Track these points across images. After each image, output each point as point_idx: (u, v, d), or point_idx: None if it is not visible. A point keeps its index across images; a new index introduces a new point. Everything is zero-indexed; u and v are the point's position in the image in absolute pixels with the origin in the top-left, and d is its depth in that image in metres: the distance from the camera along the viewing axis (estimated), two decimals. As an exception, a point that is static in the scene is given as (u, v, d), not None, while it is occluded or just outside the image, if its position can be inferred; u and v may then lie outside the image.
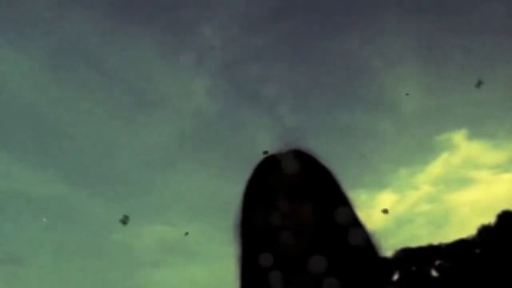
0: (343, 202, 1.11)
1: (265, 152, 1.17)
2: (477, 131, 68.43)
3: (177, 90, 64.47)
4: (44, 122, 58.80)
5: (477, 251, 43.64)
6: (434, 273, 46.04)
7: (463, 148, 67.72)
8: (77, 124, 62.37)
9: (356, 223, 1.10)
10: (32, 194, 59.40)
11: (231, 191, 1.19)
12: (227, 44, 63.29)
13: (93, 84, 59.68)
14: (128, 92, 62.53)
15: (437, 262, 45.99)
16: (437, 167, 69.46)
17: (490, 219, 44.06)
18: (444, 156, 69.53)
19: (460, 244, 44.84)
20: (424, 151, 76.66)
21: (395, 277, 46.81)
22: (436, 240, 57.29)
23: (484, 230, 44.47)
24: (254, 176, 1.14)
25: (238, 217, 1.13)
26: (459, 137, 68.80)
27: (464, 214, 67.94)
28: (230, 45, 63.71)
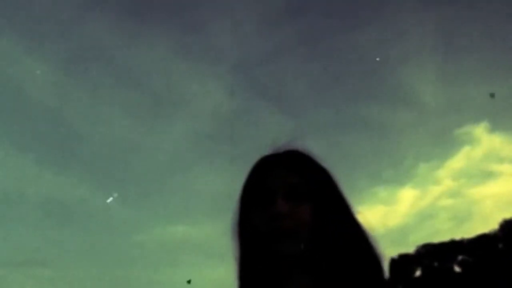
0: (341, 203, 1.10)
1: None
2: (498, 124, 67.07)
3: (194, 90, 64.77)
4: (64, 126, 59.55)
5: (500, 246, 43.21)
6: (457, 268, 45.69)
7: (484, 141, 66.77)
8: (97, 127, 63.18)
9: (354, 225, 1.09)
10: (55, 197, 60.23)
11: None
12: (244, 42, 63.58)
13: (111, 86, 60.29)
14: (146, 94, 63.08)
15: (460, 258, 45.63)
16: (458, 161, 68.69)
17: (512, 213, 43.59)
18: (465, 149, 68.63)
19: (483, 239, 44.44)
20: (445, 145, 75.75)
21: (417, 273, 46.55)
22: (458, 235, 56.74)
23: (507, 225, 44.00)
24: (252, 176, 1.13)
25: (236, 217, 1.14)
26: (480, 130, 67.73)
27: (486, 208, 66.96)
28: (246, 43, 63.96)
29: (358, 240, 1.07)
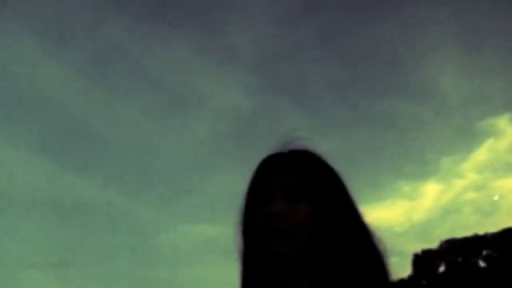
0: (344, 203, 1.08)
1: None
2: (522, 115, 66.07)
3: (213, 89, 64.89)
4: (85, 128, 60.30)
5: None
6: (481, 263, 45.15)
7: (508, 133, 65.26)
8: (117, 128, 63.74)
9: (356, 225, 1.07)
10: (77, 199, 60.89)
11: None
12: (261, 41, 63.53)
13: (131, 87, 60.73)
14: (165, 94, 63.31)
15: (484, 252, 45.06)
16: (482, 154, 67.49)
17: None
18: (489, 142, 67.44)
19: (508, 233, 43.80)
20: (468, 138, 74.40)
21: (441, 268, 46.12)
22: (484, 229, 55.75)
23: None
24: (254, 175, 1.13)
25: (239, 215, 1.14)
26: (503, 122, 66.71)
27: (512, 201, 65.94)
28: (264, 41, 63.88)
29: (360, 240, 1.05)
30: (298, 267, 1.04)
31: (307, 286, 1.03)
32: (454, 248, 45.61)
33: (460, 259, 45.20)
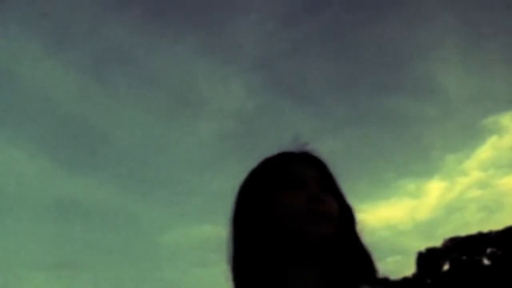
0: (348, 204, 1.13)
1: None
2: (525, 112, 65.78)
3: (216, 89, 65.00)
4: (88, 128, 60.44)
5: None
6: (486, 261, 45.05)
7: (512, 130, 65.48)
8: (121, 128, 63.90)
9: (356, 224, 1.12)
10: (82, 200, 61.17)
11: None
12: (264, 40, 63.50)
13: (134, 87, 60.91)
14: (168, 94, 63.51)
15: (489, 250, 44.97)
16: (486, 151, 67.25)
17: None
18: (493, 139, 67.10)
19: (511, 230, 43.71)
20: (472, 135, 74.24)
21: (446, 267, 46.03)
22: (489, 227, 55.77)
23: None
24: (275, 163, 1.12)
25: (254, 200, 1.09)
26: (507, 119, 66.26)
27: (517, 199, 65.64)
28: (267, 40, 63.85)
29: (360, 240, 1.10)
30: (318, 255, 1.04)
31: (312, 278, 1.04)
32: (458, 246, 45.51)
33: (464, 257, 45.10)
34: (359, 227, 1.11)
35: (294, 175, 1.09)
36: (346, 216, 1.09)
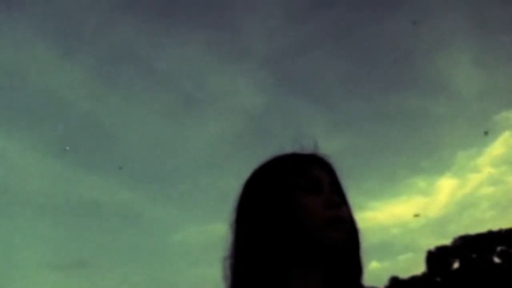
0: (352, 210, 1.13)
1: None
2: (537, 107, 65.13)
3: (225, 87, 65.00)
4: (99, 128, 60.75)
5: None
6: (496, 259, 44.80)
7: (524, 126, 64.82)
8: (130, 128, 64.14)
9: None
10: (92, 199, 61.37)
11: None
12: (272, 37, 63.48)
13: (143, 86, 61.09)
14: (177, 93, 63.64)
15: (499, 248, 44.72)
16: (497, 147, 66.59)
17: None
18: (505, 135, 66.32)
19: (522, 228, 43.43)
20: (483, 131, 73.98)
21: (456, 265, 45.83)
22: (501, 224, 55.02)
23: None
24: (291, 163, 1.10)
25: (271, 199, 1.05)
26: (518, 114, 66.09)
27: (530, 195, 64.97)
28: (275, 38, 63.85)
29: (360, 249, 1.10)
30: (326, 259, 1.05)
31: (313, 278, 1.04)
32: (468, 245, 45.31)
33: (474, 256, 44.89)
34: (361, 235, 1.11)
35: (312, 178, 1.07)
36: (355, 223, 1.09)
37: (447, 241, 48.11)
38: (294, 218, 1.03)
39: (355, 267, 1.08)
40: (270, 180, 1.08)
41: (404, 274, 48.02)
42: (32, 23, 54.98)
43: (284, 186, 1.06)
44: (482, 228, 47.83)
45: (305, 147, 1.14)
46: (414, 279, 46.26)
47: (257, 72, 64.22)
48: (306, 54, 66.09)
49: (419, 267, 47.95)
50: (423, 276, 46.24)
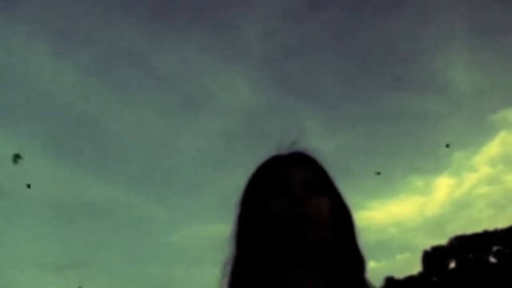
0: (346, 202, 1.14)
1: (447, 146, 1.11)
2: (534, 106, 65.16)
3: (222, 87, 64.61)
4: (96, 128, 60.62)
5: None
6: (492, 259, 44.89)
7: (521, 125, 64.86)
8: (129, 128, 64.00)
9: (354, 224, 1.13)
10: (90, 200, 61.11)
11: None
12: (270, 37, 63.43)
13: (140, 86, 61.04)
14: (175, 93, 63.49)
15: (495, 248, 44.80)
16: (494, 146, 67.01)
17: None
18: (502, 135, 66.77)
19: (518, 228, 43.51)
20: (480, 131, 73.58)
21: (452, 265, 45.91)
22: (498, 224, 55.26)
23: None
24: (266, 169, 1.14)
25: (246, 207, 1.12)
26: (516, 114, 66.08)
27: (527, 194, 64.99)
28: (272, 38, 63.78)
29: (356, 242, 1.11)
30: (313, 258, 1.05)
31: (312, 279, 1.05)
32: (464, 244, 45.36)
33: (470, 255, 44.95)
34: (357, 227, 1.12)
35: (280, 180, 1.10)
36: (341, 217, 1.10)
37: (444, 240, 48.17)
38: (266, 224, 1.06)
39: (355, 262, 1.08)
40: (250, 188, 1.15)
41: (402, 274, 48.05)
42: (29, 23, 54.84)
43: (258, 192, 1.11)
44: (479, 228, 47.88)
45: (288, 146, 1.18)
46: (410, 279, 46.30)
47: (255, 72, 64.13)
48: (305, 54, 66.06)
49: (416, 267, 48.03)
50: (419, 276, 46.29)
